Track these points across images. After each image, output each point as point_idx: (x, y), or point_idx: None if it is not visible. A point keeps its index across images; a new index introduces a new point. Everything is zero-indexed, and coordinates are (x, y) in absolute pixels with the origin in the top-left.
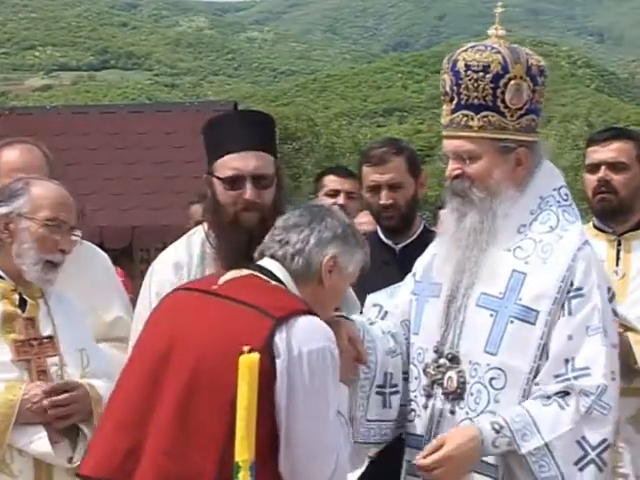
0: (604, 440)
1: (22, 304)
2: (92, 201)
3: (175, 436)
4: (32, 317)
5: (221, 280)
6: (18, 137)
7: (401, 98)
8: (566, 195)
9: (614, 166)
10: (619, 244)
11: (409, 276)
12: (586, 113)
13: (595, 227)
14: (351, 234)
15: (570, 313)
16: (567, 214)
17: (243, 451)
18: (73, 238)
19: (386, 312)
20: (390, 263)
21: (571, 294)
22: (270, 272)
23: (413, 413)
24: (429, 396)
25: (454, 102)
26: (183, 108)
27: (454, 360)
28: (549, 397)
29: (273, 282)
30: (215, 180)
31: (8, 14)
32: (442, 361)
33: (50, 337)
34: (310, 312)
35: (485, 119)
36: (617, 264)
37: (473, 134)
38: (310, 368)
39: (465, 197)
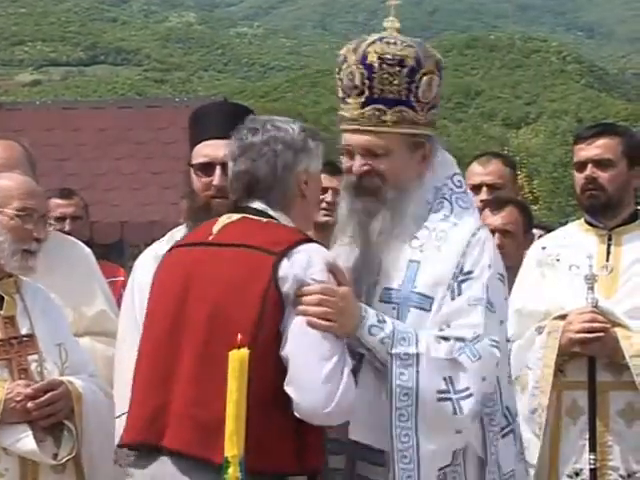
0: (467, 388)
1: None
2: (82, 196)
3: (199, 386)
4: (11, 316)
5: (215, 229)
6: None
7: None
8: (459, 182)
9: (600, 163)
10: (610, 239)
11: None
12: (576, 109)
13: (586, 222)
14: (308, 138)
15: (459, 294)
16: (461, 201)
17: (232, 446)
18: (49, 228)
19: None
20: None
21: (460, 278)
22: (259, 210)
23: None
24: None
25: (364, 95)
26: (173, 104)
27: (362, 360)
28: (429, 335)
29: (264, 219)
30: (191, 168)
31: None
32: (353, 362)
33: (30, 335)
34: (306, 240)
35: (399, 114)
36: (607, 259)
37: (387, 129)
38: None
39: (376, 196)
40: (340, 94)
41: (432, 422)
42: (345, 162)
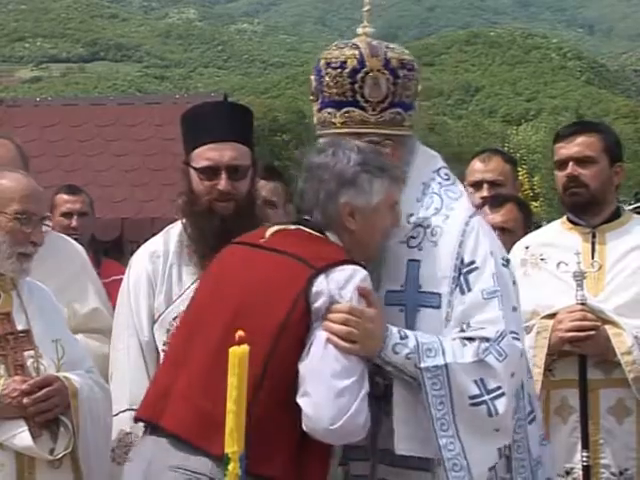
0: (499, 387)
1: None
2: None
3: (210, 378)
4: (7, 312)
5: (268, 233)
6: None
7: None
8: (446, 175)
9: (581, 161)
10: (594, 236)
11: None
12: (576, 105)
13: (569, 220)
14: (363, 172)
15: (469, 289)
16: (450, 192)
17: (232, 443)
18: (43, 229)
19: None
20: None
21: (465, 270)
22: (315, 225)
23: None
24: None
25: (319, 101)
26: (173, 100)
27: (377, 364)
28: (453, 339)
29: (317, 234)
30: (191, 170)
31: None
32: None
33: (26, 331)
34: (349, 262)
35: (347, 114)
36: (593, 256)
37: (335, 130)
38: None
39: None
40: (346, 97)
41: (471, 427)
42: None
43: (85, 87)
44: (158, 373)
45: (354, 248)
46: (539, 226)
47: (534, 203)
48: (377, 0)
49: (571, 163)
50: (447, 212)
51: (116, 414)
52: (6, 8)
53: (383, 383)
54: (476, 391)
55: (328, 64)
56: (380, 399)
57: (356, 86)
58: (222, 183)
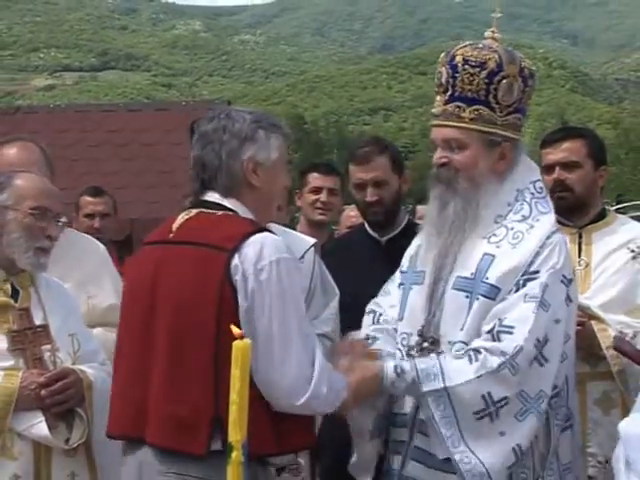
0: (505, 397)
1: (14, 294)
2: None
3: (174, 383)
4: (26, 307)
5: (174, 226)
6: (17, 135)
7: (386, 97)
8: (540, 188)
9: (567, 165)
10: (580, 236)
11: (397, 272)
12: (561, 112)
13: (557, 221)
14: (259, 128)
15: (520, 289)
16: (540, 206)
17: (236, 432)
18: (60, 225)
19: (380, 315)
20: (376, 255)
21: (526, 276)
22: (214, 203)
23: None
24: None
25: (448, 93)
26: (179, 107)
27: (435, 343)
28: (461, 356)
29: (220, 212)
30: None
31: (14, 18)
32: (425, 344)
33: (43, 326)
34: (258, 230)
35: (476, 112)
36: (580, 255)
37: (464, 124)
38: (265, 284)
39: (449, 185)
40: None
41: (478, 437)
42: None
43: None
44: (125, 388)
45: (258, 208)
46: None
47: None
48: (374, 13)
49: (557, 168)
50: (533, 222)
51: None
52: (22, 20)
53: None
54: (482, 405)
55: (466, 61)
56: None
57: (491, 87)
58: None
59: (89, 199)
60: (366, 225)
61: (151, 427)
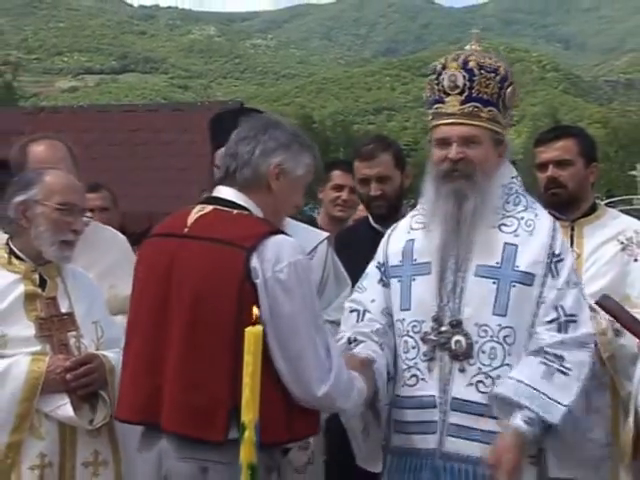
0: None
1: (42, 283)
2: (115, 190)
3: (190, 372)
4: (53, 296)
5: (189, 221)
6: (44, 133)
7: (389, 98)
8: (521, 182)
9: (560, 163)
10: (572, 229)
11: (372, 269)
12: (554, 112)
13: (550, 214)
14: (296, 142)
15: (557, 274)
16: (529, 196)
17: (249, 412)
18: (84, 219)
19: (364, 312)
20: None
21: (555, 259)
22: (230, 201)
23: (415, 378)
24: (432, 359)
25: (465, 94)
26: (195, 107)
27: (458, 325)
28: (547, 364)
29: (235, 211)
30: (215, 168)
31: (39, 24)
32: (444, 328)
33: (69, 314)
34: (274, 232)
35: (491, 112)
36: (572, 247)
37: (482, 123)
38: (284, 285)
39: (469, 179)
40: (434, 95)
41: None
42: (436, 153)
43: (117, 96)
44: (137, 373)
45: (267, 213)
46: None
47: None
48: (378, 19)
49: (551, 166)
50: (535, 211)
51: None
52: (47, 26)
53: (466, 342)
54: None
55: (481, 67)
56: (460, 358)
57: (501, 92)
58: None
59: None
60: (370, 218)
61: (168, 414)
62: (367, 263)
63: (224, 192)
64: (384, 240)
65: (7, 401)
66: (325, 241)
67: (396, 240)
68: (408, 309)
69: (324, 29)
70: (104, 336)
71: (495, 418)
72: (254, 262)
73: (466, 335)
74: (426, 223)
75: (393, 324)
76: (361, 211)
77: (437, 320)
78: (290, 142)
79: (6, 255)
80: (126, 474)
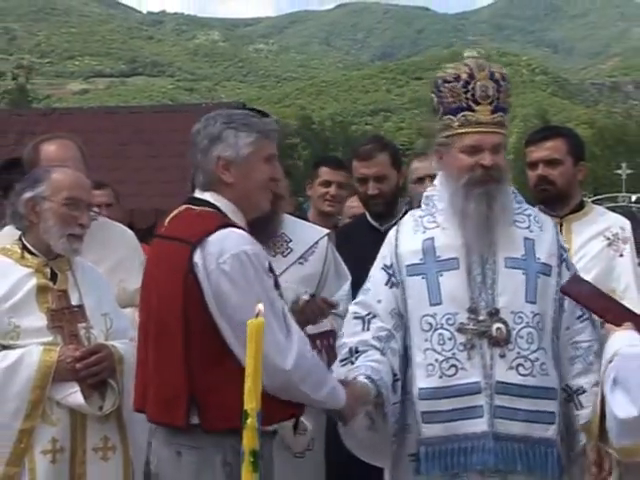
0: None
1: (53, 277)
2: (122, 188)
3: (159, 370)
4: (64, 289)
5: (167, 221)
6: (57, 133)
7: (385, 100)
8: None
9: (550, 162)
10: (561, 225)
11: (377, 271)
12: (543, 113)
13: (540, 210)
14: (228, 128)
15: (569, 265)
16: (519, 195)
17: (251, 400)
18: (91, 214)
19: (370, 320)
20: (377, 242)
21: (563, 252)
22: (199, 199)
23: (454, 368)
24: (472, 348)
25: (494, 104)
26: (200, 109)
27: (495, 314)
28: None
29: (199, 208)
30: None
31: (52, 29)
32: (482, 317)
33: (79, 306)
34: (224, 226)
35: (505, 119)
36: None
37: (505, 131)
38: (229, 276)
39: (499, 183)
40: (460, 102)
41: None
42: (465, 159)
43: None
44: (136, 369)
45: (240, 202)
46: None
47: None
48: (375, 25)
49: (541, 165)
50: (533, 208)
51: None
52: (59, 31)
53: (505, 329)
54: None
55: (503, 77)
56: (501, 344)
57: (509, 98)
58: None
59: (93, 192)
60: (367, 215)
61: (148, 407)
62: (365, 258)
63: (197, 192)
64: (389, 242)
65: (20, 389)
66: (326, 237)
67: (408, 240)
68: (439, 303)
69: (323, 34)
70: (112, 327)
71: (535, 398)
72: (197, 257)
73: (505, 322)
74: (441, 222)
75: (402, 325)
76: (354, 207)
77: (473, 311)
78: (221, 131)
79: (19, 250)
80: (134, 459)
